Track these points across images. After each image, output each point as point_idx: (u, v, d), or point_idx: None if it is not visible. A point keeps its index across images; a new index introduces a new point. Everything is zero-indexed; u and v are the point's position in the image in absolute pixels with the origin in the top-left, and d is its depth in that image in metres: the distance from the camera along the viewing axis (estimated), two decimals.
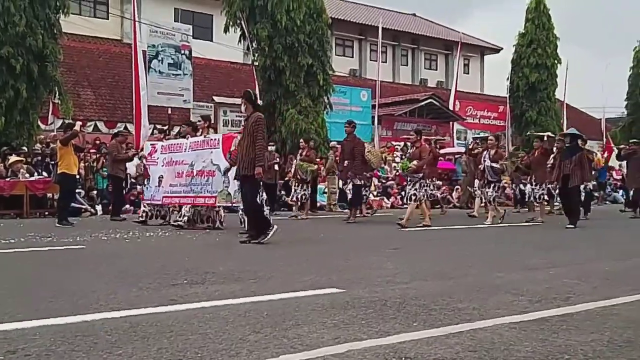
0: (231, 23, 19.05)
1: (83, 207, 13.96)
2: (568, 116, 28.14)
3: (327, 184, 16.88)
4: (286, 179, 16.02)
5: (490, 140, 12.67)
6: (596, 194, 20.55)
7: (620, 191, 23.13)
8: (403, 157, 18.08)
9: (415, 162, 11.00)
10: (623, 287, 4.59)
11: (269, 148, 15.86)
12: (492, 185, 12.10)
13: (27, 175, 13.72)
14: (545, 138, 13.85)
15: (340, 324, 3.34)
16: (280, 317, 3.47)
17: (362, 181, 12.37)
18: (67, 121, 13.76)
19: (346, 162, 12.26)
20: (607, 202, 22.35)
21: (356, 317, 3.51)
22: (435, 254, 7.22)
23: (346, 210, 13.03)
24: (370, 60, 34.43)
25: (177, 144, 11.01)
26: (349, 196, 12.28)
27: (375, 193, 18.06)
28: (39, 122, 16.06)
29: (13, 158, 13.86)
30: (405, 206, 11.97)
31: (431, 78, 37.92)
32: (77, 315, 3.50)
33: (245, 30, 18.61)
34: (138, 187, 14.86)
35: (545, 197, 12.91)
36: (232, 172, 9.01)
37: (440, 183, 19.57)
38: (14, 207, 13.36)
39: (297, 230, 10.39)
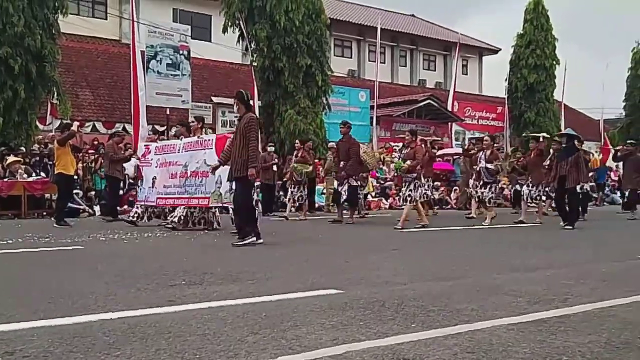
0: (230, 23, 19.05)
1: (81, 207, 13.95)
2: (566, 117, 28.18)
3: (325, 185, 16.88)
4: (284, 179, 16.02)
5: (486, 140, 12.62)
6: (595, 195, 20.58)
7: (618, 192, 23.16)
8: (400, 157, 18.08)
9: (409, 162, 11.00)
10: (621, 289, 4.60)
11: (269, 149, 15.90)
12: (489, 186, 12.09)
13: (25, 175, 13.70)
14: (541, 139, 13.86)
15: (339, 325, 3.34)
16: (278, 318, 3.47)
17: (358, 182, 12.38)
18: (65, 121, 13.74)
19: (342, 163, 12.25)
20: (606, 203, 22.37)
21: (354, 318, 3.51)
22: (434, 255, 7.22)
23: (345, 211, 13.02)
24: (369, 60, 34.44)
25: (171, 144, 11.01)
26: (343, 197, 12.25)
27: (373, 194, 18.08)
28: (37, 123, 16.04)
29: (11, 158, 13.85)
30: (402, 207, 11.97)
31: (430, 79, 37.95)
32: (75, 317, 3.50)
33: (244, 31, 18.61)
34: (137, 187, 14.85)
35: (543, 198, 12.90)
36: (221, 171, 8.82)
37: (439, 184, 19.63)
38: (12, 207, 13.35)
39: (295, 231, 10.39)
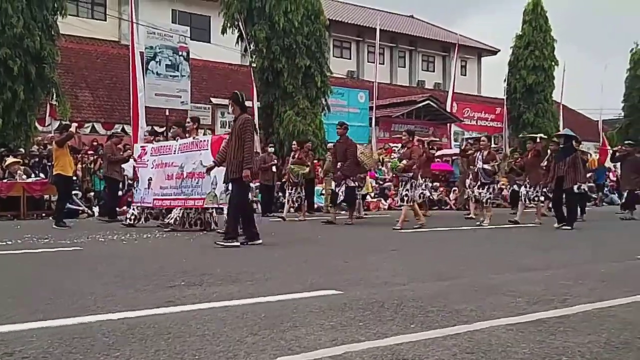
0: (229, 24, 19.07)
1: (80, 208, 13.95)
2: (565, 118, 28.21)
3: (324, 186, 16.87)
4: (283, 180, 16.03)
5: (483, 141, 12.54)
6: (594, 196, 20.59)
7: (616, 193, 23.18)
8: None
9: (405, 161, 10.99)
10: (620, 289, 4.60)
11: (269, 149, 15.91)
12: (486, 186, 12.05)
13: (24, 176, 13.71)
14: (538, 139, 13.84)
15: (338, 325, 3.34)
16: (278, 319, 3.47)
17: (356, 183, 12.38)
18: (64, 122, 13.74)
19: (339, 164, 12.25)
20: (605, 204, 22.38)
21: (354, 318, 3.51)
22: (433, 255, 7.22)
23: (343, 212, 13.02)
24: (368, 61, 34.46)
25: (167, 146, 10.99)
26: (341, 198, 12.24)
27: (372, 194, 18.08)
28: (37, 124, 16.05)
29: (10, 159, 13.85)
30: (401, 208, 11.96)
31: (428, 80, 37.98)
32: (75, 317, 3.50)
33: (243, 32, 18.63)
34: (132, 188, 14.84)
35: (541, 199, 12.89)
36: (216, 172, 8.76)
37: (438, 184, 19.64)
38: (11, 208, 13.35)
39: (294, 232, 10.39)
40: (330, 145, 17.02)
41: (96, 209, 14.49)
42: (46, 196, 13.79)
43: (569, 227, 10.88)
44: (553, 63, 27.86)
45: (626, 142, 16.79)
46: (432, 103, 26.47)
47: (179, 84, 18.02)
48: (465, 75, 38.66)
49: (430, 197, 15.86)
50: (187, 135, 10.59)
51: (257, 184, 15.46)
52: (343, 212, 13.26)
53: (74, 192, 13.37)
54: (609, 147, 23.27)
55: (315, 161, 16.22)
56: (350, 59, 35.34)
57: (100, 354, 2.79)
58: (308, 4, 18.78)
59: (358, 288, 4.55)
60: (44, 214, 13.59)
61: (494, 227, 11.45)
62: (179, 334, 3.15)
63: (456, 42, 28.59)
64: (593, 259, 6.92)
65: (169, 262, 6.08)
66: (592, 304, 4.01)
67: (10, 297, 4.22)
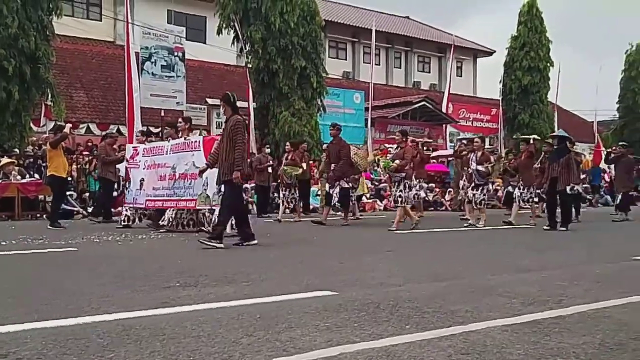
0: (224, 25, 19.05)
1: (75, 209, 13.92)
2: (560, 119, 28.31)
3: (320, 186, 16.88)
4: (279, 181, 16.02)
5: (476, 142, 12.53)
6: (589, 197, 20.66)
7: (609, 195, 23.24)
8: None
9: (397, 161, 10.96)
10: (615, 290, 4.61)
11: (265, 150, 15.91)
12: (480, 188, 12.03)
13: (18, 177, 13.66)
14: (532, 141, 13.85)
15: (333, 326, 3.34)
16: (273, 320, 3.47)
17: (350, 184, 12.38)
18: (58, 123, 13.71)
19: (332, 165, 12.24)
20: (600, 205, 22.45)
21: (349, 319, 3.51)
22: (428, 256, 7.23)
23: (339, 213, 13.03)
24: (364, 62, 34.49)
25: (159, 146, 10.95)
26: (335, 199, 12.24)
27: (368, 195, 18.09)
28: (31, 124, 16.01)
29: (5, 160, 13.80)
30: (396, 209, 11.96)
31: (424, 81, 38.03)
32: (70, 318, 3.48)
33: (239, 33, 18.63)
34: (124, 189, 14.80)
35: (535, 200, 12.89)
36: (208, 173, 8.68)
37: (434, 185, 19.67)
38: (6, 209, 13.31)
39: (290, 233, 10.39)
40: (325, 146, 17.05)
41: (91, 210, 14.46)
42: (41, 197, 13.76)
43: (564, 229, 10.90)
44: (548, 64, 27.96)
45: (620, 143, 16.85)
46: (427, 104, 26.52)
47: (175, 85, 18.00)
48: (460, 76, 38.72)
49: (426, 198, 15.88)
50: (179, 135, 10.55)
51: (253, 184, 15.45)
52: (338, 213, 13.26)
53: (68, 192, 13.35)
54: (603, 149, 23.37)
55: (311, 162, 16.22)
56: (345, 59, 35.36)
57: (94, 356, 2.78)
58: (304, 4, 18.79)
59: (354, 289, 4.55)
60: (38, 215, 13.54)
61: (489, 228, 11.47)
62: (174, 335, 3.14)
63: (452, 43, 28.66)
64: (588, 260, 6.93)
65: (164, 263, 6.07)
66: (587, 305, 4.01)
67: (5, 298, 4.21)
